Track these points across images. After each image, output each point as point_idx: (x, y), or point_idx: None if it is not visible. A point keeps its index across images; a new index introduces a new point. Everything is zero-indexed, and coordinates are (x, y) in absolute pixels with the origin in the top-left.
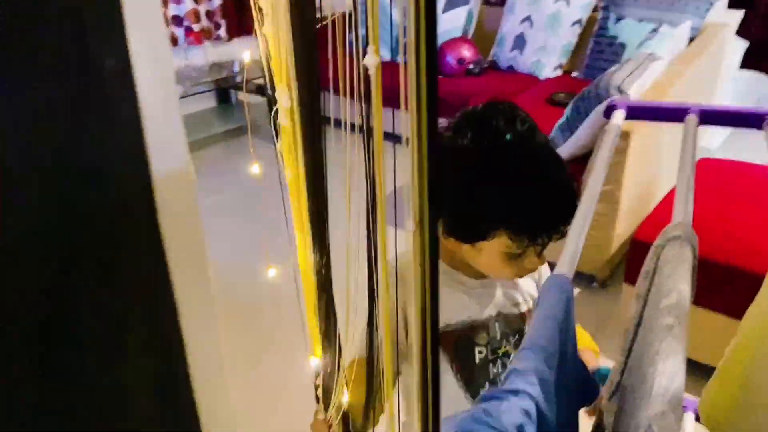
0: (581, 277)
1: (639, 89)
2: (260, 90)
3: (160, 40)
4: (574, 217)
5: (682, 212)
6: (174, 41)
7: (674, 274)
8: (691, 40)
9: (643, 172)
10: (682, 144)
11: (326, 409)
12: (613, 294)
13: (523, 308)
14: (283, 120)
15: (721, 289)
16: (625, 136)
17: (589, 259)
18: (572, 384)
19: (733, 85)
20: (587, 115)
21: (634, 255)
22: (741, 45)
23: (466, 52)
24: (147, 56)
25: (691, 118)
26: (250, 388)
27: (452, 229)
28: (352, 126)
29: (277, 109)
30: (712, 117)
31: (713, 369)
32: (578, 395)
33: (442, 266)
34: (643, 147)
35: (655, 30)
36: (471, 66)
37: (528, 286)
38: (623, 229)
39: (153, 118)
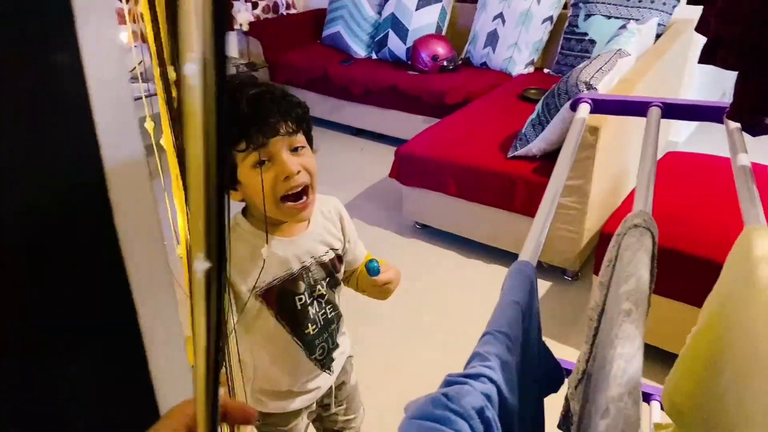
0: (554, 271)
1: (607, 85)
2: None
3: (111, 36)
4: (301, 122)
5: (643, 201)
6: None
7: (634, 260)
8: (659, 35)
9: (612, 167)
10: (644, 136)
11: None
12: (584, 286)
13: (329, 256)
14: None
15: (685, 278)
16: (594, 131)
17: (561, 253)
18: (536, 370)
19: (699, 80)
20: (557, 111)
21: (603, 248)
22: (700, 41)
23: (440, 49)
24: (98, 54)
25: (654, 111)
26: None
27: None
28: None
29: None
30: (673, 110)
31: (676, 356)
32: (543, 382)
33: (257, 232)
34: (612, 142)
35: (623, 27)
36: (445, 63)
37: (330, 237)
38: (593, 222)
39: (105, 115)
